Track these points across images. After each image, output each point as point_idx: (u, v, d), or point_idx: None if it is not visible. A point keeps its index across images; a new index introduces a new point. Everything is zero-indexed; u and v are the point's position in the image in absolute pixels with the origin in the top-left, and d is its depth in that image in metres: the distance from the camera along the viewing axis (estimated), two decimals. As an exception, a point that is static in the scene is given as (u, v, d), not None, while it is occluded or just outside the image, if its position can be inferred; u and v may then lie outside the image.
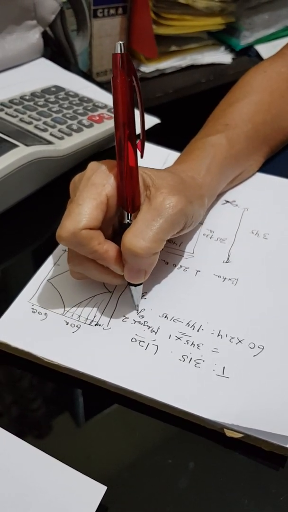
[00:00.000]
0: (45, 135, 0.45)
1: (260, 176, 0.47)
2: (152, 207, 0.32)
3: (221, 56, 1.05)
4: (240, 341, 0.33)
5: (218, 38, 1.05)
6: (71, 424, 0.30)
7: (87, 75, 0.72)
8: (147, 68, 0.97)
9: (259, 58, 1.05)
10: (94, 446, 0.29)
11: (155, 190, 0.32)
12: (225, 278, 0.37)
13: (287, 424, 0.28)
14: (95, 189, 0.32)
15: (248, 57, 1.07)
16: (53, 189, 0.46)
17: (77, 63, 0.72)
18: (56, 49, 0.70)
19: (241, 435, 0.28)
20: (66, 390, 0.31)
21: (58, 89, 0.54)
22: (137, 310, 0.34)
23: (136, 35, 0.92)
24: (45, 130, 0.46)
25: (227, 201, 0.44)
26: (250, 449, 0.29)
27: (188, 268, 0.38)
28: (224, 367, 0.31)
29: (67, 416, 0.30)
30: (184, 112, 1.00)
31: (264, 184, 0.46)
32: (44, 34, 0.68)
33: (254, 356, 0.32)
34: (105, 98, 0.57)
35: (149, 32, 0.88)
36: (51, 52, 0.70)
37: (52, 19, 0.66)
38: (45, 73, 0.63)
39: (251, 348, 0.32)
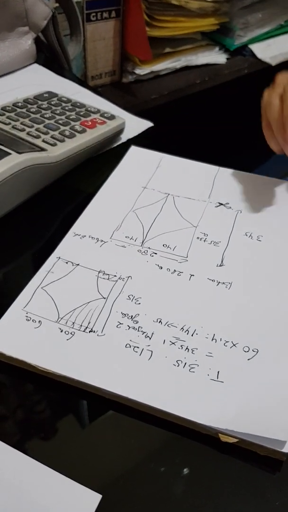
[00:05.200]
0: (38, 142, 0.45)
1: (253, 178, 0.47)
2: None
3: (216, 56, 1.04)
4: (234, 345, 0.33)
5: (212, 38, 1.05)
6: (65, 431, 0.30)
7: (81, 80, 0.72)
8: (142, 70, 0.97)
9: (253, 57, 1.05)
10: (89, 453, 0.29)
11: None
12: (219, 282, 0.37)
13: (282, 428, 0.28)
14: None
15: (242, 56, 1.07)
16: (46, 196, 0.46)
17: (70, 68, 0.72)
18: (49, 55, 0.70)
19: (236, 440, 0.28)
20: (61, 398, 0.31)
21: (51, 95, 0.54)
22: None
23: (130, 38, 0.92)
24: (37, 137, 0.46)
25: (221, 204, 0.44)
26: (246, 453, 0.29)
27: (182, 272, 0.38)
28: (218, 371, 0.31)
29: (62, 423, 0.30)
30: (180, 114, 1.01)
31: (257, 186, 0.46)
32: (37, 40, 0.68)
33: (248, 359, 0.32)
34: (98, 102, 0.57)
35: (143, 34, 0.88)
36: (44, 58, 0.70)
37: (44, 25, 0.66)
38: (38, 79, 0.63)
39: (245, 351, 0.32)
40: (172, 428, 0.29)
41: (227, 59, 1.06)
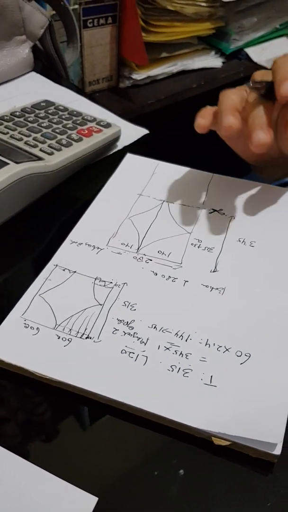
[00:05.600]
0: (35, 151, 0.46)
1: (247, 184, 0.48)
2: None
3: (212, 61, 1.05)
4: (227, 350, 0.34)
5: (208, 42, 1.06)
6: (62, 435, 0.31)
7: (78, 88, 0.73)
8: (139, 75, 0.98)
9: (249, 61, 1.06)
10: (85, 457, 0.30)
11: None
12: (212, 288, 0.38)
13: (273, 431, 0.29)
14: None
15: (238, 60, 1.08)
16: (43, 204, 0.47)
17: (67, 76, 0.73)
18: (47, 63, 0.71)
19: (228, 443, 0.29)
20: (59, 402, 0.32)
21: (48, 103, 0.55)
22: None
23: (126, 44, 0.93)
24: (35, 146, 0.47)
25: (214, 210, 0.45)
26: (239, 455, 0.29)
27: (176, 278, 0.38)
28: (211, 376, 0.32)
29: (59, 427, 0.31)
30: (177, 118, 1.01)
31: (250, 192, 0.47)
32: (34, 48, 0.69)
33: (241, 364, 0.33)
34: (95, 110, 0.58)
35: (139, 40, 0.89)
36: (42, 66, 0.71)
37: (41, 34, 0.67)
38: (36, 88, 0.64)
39: (238, 356, 0.33)
40: (167, 432, 0.30)
41: (223, 63, 1.07)
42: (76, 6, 0.85)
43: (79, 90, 0.69)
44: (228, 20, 1.03)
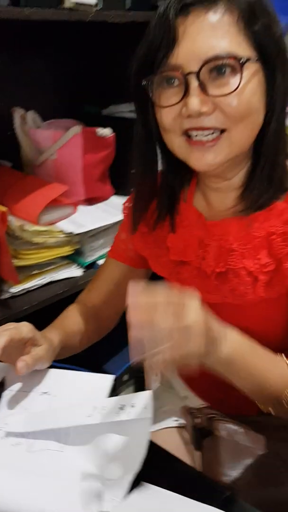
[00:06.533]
0: None
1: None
2: None
3: (73, 271, 1.38)
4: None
5: (70, 258, 1.40)
6: None
7: None
8: (15, 288, 1.26)
9: (101, 270, 1.40)
10: None
11: None
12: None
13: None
14: None
15: (94, 269, 1.42)
16: None
17: None
18: None
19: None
20: None
21: None
22: None
23: (2, 269, 1.23)
24: None
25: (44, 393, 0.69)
26: None
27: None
28: None
29: None
30: (48, 318, 1.29)
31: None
32: None
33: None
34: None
35: (11, 267, 1.19)
36: None
37: None
38: None
39: None
40: None
41: (83, 272, 1.40)
42: None
43: None
44: (83, 242, 1.39)
